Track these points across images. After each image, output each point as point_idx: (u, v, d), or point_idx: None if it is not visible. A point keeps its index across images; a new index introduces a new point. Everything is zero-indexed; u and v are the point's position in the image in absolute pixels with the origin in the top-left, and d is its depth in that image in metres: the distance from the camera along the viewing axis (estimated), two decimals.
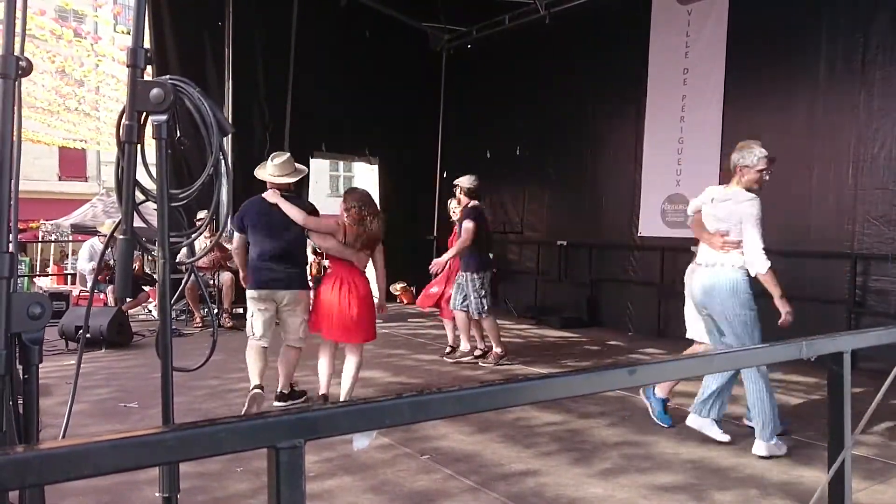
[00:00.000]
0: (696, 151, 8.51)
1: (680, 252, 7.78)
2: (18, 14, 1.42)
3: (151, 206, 1.83)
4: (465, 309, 7.04)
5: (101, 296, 9.26)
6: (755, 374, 4.24)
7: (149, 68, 1.67)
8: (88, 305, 2.04)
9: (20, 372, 1.47)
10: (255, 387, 5.14)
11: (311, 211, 5.39)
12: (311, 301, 5.57)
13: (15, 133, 1.38)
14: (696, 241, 4.76)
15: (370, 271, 5.52)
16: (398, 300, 11.88)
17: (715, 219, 4.39)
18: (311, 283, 6.34)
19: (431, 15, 12.18)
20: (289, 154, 5.60)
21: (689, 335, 5.03)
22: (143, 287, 9.68)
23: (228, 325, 9.18)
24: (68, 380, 5.82)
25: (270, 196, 5.31)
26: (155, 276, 9.87)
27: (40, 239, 19.16)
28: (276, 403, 5.42)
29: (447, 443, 4.49)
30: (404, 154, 12.12)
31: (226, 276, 9.46)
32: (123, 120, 1.62)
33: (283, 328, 5.40)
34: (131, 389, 5.89)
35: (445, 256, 7.15)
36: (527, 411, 5.10)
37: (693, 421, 4.58)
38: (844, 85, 7.19)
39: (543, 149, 10.81)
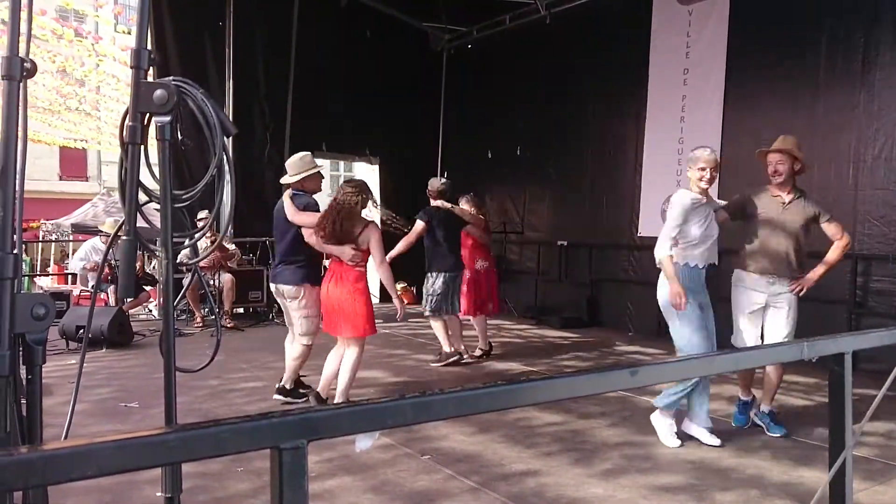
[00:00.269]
0: None
1: None
2: (22, 15, 1.42)
3: (153, 206, 1.83)
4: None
5: (102, 295, 9.26)
6: None
7: (150, 69, 1.67)
8: (91, 305, 2.04)
9: (23, 372, 1.47)
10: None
11: (307, 206, 5.40)
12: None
13: (20, 134, 1.38)
14: None
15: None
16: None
17: None
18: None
19: (432, 15, 12.18)
20: (305, 153, 5.61)
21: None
22: (144, 287, 9.68)
23: (229, 325, 9.18)
24: (69, 379, 5.83)
25: (287, 195, 5.51)
26: (156, 276, 9.88)
27: (41, 239, 19.16)
28: (276, 396, 5.46)
29: (448, 443, 4.50)
30: (405, 154, 12.12)
31: (226, 277, 9.46)
32: (127, 121, 1.63)
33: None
34: (132, 389, 5.89)
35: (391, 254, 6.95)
36: (528, 412, 5.11)
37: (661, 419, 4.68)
38: (845, 85, 7.19)
39: (544, 149, 10.81)
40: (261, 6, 10.76)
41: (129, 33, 16.99)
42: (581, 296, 10.11)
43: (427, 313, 7.04)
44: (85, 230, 15.87)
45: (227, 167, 1.76)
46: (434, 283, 6.94)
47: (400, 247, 6.98)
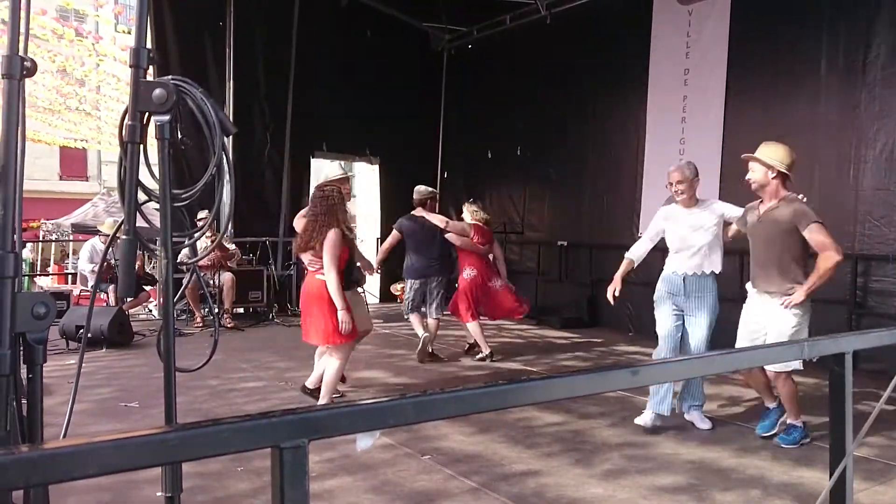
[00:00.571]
0: (698, 152, 8.49)
1: None
2: (21, 15, 1.42)
3: (153, 205, 1.83)
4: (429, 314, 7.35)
5: (102, 295, 9.25)
6: None
7: (150, 68, 1.67)
8: (90, 305, 2.04)
9: (24, 372, 1.47)
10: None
11: None
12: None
13: (20, 133, 1.38)
14: None
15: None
16: (399, 300, 11.87)
17: None
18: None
19: (432, 15, 12.17)
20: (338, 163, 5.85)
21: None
22: (144, 287, 9.68)
23: (229, 325, 9.18)
24: (69, 379, 5.82)
25: None
26: (155, 276, 9.88)
27: (41, 238, 19.16)
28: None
29: (448, 443, 4.50)
30: (405, 154, 12.12)
31: (226, 276, 9.46)
32: (126, 120, 1.63)
33: None
34: (132, 389, 5.89)
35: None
36: (528, 412, 5.11)
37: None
38: (846, 85, 7.18)
39: (544, 149, 10.81)
40: (261, 6, 10.76)
41: (130, 33, 16.97)
42: (581, 296, 10.10)
43: (405, 316, 7.52)
44: (85, 230, 15.87)
45: (226, 166, 1.76)
46: (409, 288, 7.39)
47: (379, 255, 7.70)
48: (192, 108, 1.68)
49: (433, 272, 7.28)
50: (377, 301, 11.89)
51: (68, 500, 3.40)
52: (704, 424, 4.81)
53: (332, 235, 4.94)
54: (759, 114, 7.87)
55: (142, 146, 1.68)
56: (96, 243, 10.20)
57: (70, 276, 14.81)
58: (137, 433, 0.93)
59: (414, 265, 7.28)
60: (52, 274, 16.94)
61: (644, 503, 3.58)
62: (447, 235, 7.23)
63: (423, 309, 7.31)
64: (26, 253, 18.18)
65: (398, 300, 11.79)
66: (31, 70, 1.38)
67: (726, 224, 4.87)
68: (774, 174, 4.44)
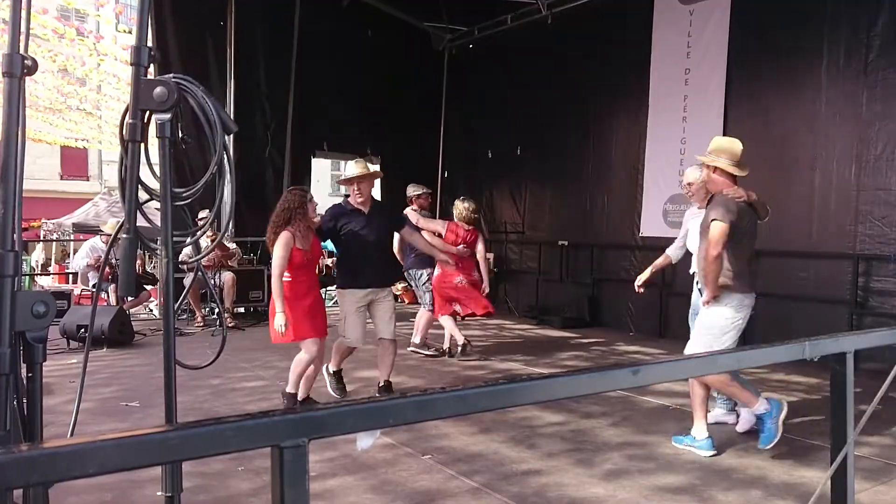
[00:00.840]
0: (698, 152, 8.43)
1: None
2: (22, 14, 1.42)
3: (154, 204, 1.83)
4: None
5: (103, 295, 9.25)
6: None
7: (151, 67, 1.67)
8: (93, 305, 2.05)
9: (24, 370, 1.47)
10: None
11: None
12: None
13: (20, 131, 1.38)
14: None
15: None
16: (399, 300, 11.88)
17: None
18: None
19: (434, 14, 12.18)
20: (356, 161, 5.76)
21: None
22: (145, 286, 9.68)
23: (230, 324, 9.17)
24: (70, 379, 5.83)
25: None
26: (156, 275, 9.88)
27: (42, 238, 19.16)
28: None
29: (449, 443, 4.49)
30: (406, 153, 12.12)
31: (227, 276, 9.46)
32: (127, 118, 1.62)
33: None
34: (133, 388, 5.89)
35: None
36: (529, 411, 5.10)
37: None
38: (847, 85, 7.17)
39: (545, 148, 10.81)
40: (262, 6, 10.76)
41: (131, 32, 16.97)
42: (582, 296, 10.11)
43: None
44: (86, 230, 15.87)
45: (227, 165, 1.76)
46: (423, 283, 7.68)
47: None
48: (193, 106, 1.68)
49: (414, 265, 7.54)
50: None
51: (69, 500, 3.40)
52: (730, 418, 4.92)
53: (280, 239, 5.00)
54: (760, 114, 7.86)
55: (143, 145, 1.67)
56: (96, 242, 10.20)
57: (71, 276, 14.81)
58: (138, 432, 0.93)
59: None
60: (53, 273, 16.94)
61: (645, 503, 3.58)
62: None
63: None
64: (37, 253, 18.25)
65: (398, 300, 11.80)
66: (32, 69, 1.38)
67: None
68: (706, 173, 4.64)
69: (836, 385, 1.84)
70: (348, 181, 5.58)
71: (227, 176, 1.79)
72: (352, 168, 5.56)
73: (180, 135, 1.69)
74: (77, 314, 7.78)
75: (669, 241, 8.64)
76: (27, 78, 1.42)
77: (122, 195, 1.69)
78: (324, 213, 5.75)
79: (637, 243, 9.40)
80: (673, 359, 1.68)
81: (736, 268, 4.23)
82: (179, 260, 8.34)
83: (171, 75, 1.64)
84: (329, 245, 6.50)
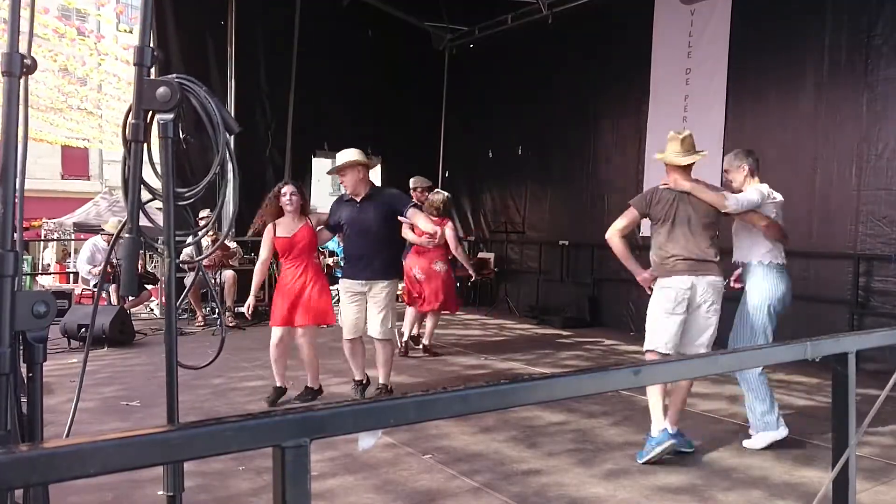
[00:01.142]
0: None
1: None
2: (24, 13, 1.41)
3: (156, 204, 1.83)
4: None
5: (104, 294, 9.25)
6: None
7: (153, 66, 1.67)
8: (95, 304, 2.05)
9: (24, 370, 1.47)
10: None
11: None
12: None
13: (21, 131, 1.38)
14: None
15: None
16: (400, 299, 11.86)
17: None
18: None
19: (434, 14, 12.18)
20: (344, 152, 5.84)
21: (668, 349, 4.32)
22: (145, 286, 9.68)
23: (231, 323, 9.17)
24: (71, 378, 5.83)
25: None
26: (157, 275, 9.88)
27: (42, 237, 19.17)
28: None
29: (450, 443, 4.49)
30: (407, 153, 12.10)
31: (228, 274, 9.46)
32: (130, 118, 1.62)
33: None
34: (134, 388, 5.89)
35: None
36: (530, 411, 5.10)
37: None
38: (848, 85, 7.17)
39: (545, 148, 10.81)
40: (263, 5, 10.76)
41: (131, 32, 16.99)
42: (583, 295, 10.11)
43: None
44: (87, 229, 15.87)
45: (230, 165, 1.76)
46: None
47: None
48: (195, 106, 1.68)
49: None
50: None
51: (69, 500, 3.40)
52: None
53: (266, 229, 5.47)
54: (761, 113, 7.87)
55: (145, 145, 1.67)
56: (97, 242, 10.20)
57: (72, 276, 14.82)
58: (139, 432, 0.93)
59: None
60: (54, 273, 16.94)
61: (645, 503, 3.58)
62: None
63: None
64: (49, 252, 18.27)
65: (399, 299, 11.79)
66: (31, 68, 1.37)
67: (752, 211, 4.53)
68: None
69: (838, 386, 1.83)
70: (335, 171, 5.64)
71: (230, 175, 1.79)
72: (337, 158, 5.66)
73: (183, 135, 1.69)
74: (78, 313, 7.78)
75: None
76: (28, 77, 1.42)
77: (124, 195, 1.69)
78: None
79: (637, 243, 9.38)
80: (674, 359, 1.68)
81: (663, 253, 4.35)
82: (180, 259, 8.33)
83: (174, 75, 1.64)
84: (329, 245, 6.51)
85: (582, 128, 10.18)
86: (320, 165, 11.50)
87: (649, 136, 9.23)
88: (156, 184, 1.76)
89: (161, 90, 1.57)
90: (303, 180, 11.25)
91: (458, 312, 8.40)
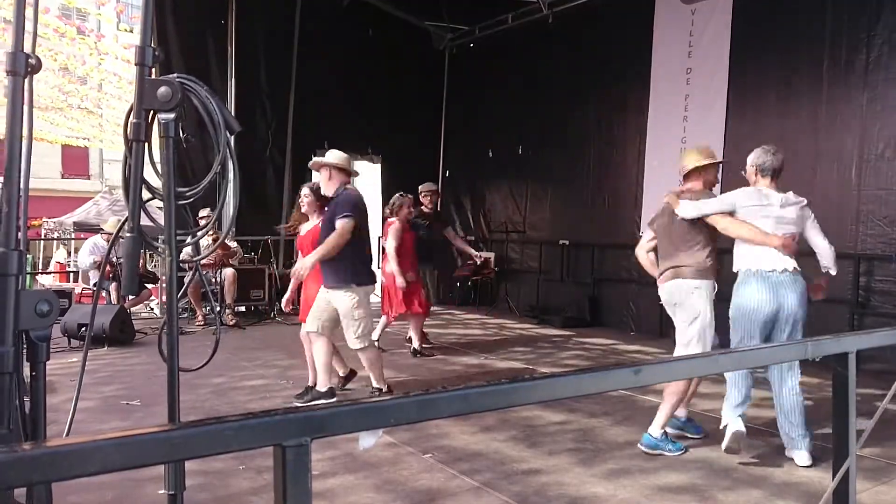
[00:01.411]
0: None
1: None
2: (28, 13, 1.42)
3: (156, 203, 1.83)
4: None
5: (104, 294, 9.25)
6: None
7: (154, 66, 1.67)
8: (94, 303, 2.05)
9: (27, 369, 1.47)
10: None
11: None
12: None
13: (25, 129, 1.38)
14: None
15: None
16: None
17: (783, 222, 4.31)
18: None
19: (434, 14, 12.17)
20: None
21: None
22: (146, 285, 9.68)
23: (231, 322, 9.18)
24: (72, 377, 5.83)
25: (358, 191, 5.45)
26: (157, 274, 9.88)
27: (43, 237, 19.18)
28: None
29: (451, 442, 4.49)
30: (407, 153, 12.11)
31: (228, 272, 9.46)
32: (131, 118, 1.63)
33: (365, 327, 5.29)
34: (134, 387, 5.90)
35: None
36: (530, 411, 5.10)
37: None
38: (848, 85, 7.17)
39: (546, 148, 10.81)
40: (263, 5, 10.76)
41: (132, 31, 16.99)
42: (583, 295, 10.10)
43: None
44: (87, 228, 15.88)
45: (231, 165, 1.76)
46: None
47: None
48: (196, 106, 1.68)
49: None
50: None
51: (70, 499, 3.40)
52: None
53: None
54: (762, 113, 7.86)
55: (146, 144, 1.67)
56: (98, 241, 10.20)
57: (72, 275, 14.82)
58: (141, 431, 0.93)
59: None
60: (54, 272, 16.95)
61: (645, 503, 3.58)
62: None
63: None
64: (62, 254, 18.28)
65: None
66: (36, 67, 1.37)
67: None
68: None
69: (839, 385, 1.84)
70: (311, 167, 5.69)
71: (231, 175, 1.79)
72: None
73: (184, 134, 1.69)
74: (78, 312, 7.78)
75: None
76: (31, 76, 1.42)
77: (125, 194, 1.69)
78: None
79: (638, 243, 9.38)
80: (674, 359, 1.69)
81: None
82: (181, 259, 8.32)
83: (175, 75, 1.64)
84: None
85: (582, 127, 10.18)
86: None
87: (650, 136, 9.22)
88: (156, 183, 1.76)
89: (162, 90, 1.58)
90: (303, 180, 11.25)
91: (430, 312, 8.06)
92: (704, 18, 8.53)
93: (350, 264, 5.09)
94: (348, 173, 5.32)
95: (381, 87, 11.55)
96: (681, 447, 4.34)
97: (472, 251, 7.92)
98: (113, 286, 9.14)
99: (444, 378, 6.51)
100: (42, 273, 16.81)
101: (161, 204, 1.74)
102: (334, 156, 5.32)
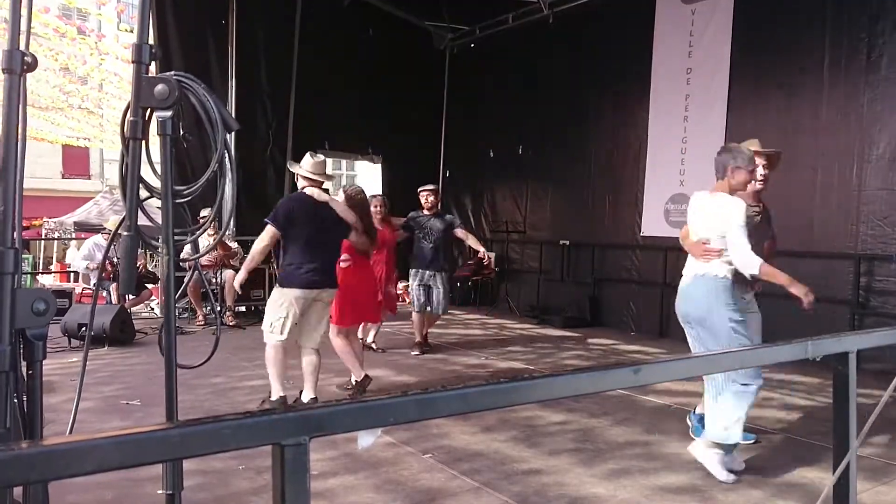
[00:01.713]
0: (700, 151, 8.48)
1: (683, 252, 7.74)
2: (23, 11, 1.41)
3: (155, 202, 1.83)
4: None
5: (104, 293, 9.25)
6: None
7: (153, 65, 1.66)
8: (93, 303, 2.04)
9: (24, 368, 1.47)
10: (281, 397, 5.13)
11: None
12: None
13: (20, 128, 1.38)
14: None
15: None
16: (400, 299, 11.86)
17: (702, 228, 4.06)
18: None
19: (435, 14, 12.18)
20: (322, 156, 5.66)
21: None
22: (146, 285, 9.68)
23: (231, 323, 9.17)
24: (71, 377, 5.83)
25: (319, 194, 5.22)
26: (157, 274, 9.88)
27: (43, 236, 19.19)
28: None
29: (451, 442, 4.49)
30: (407, 152, 12.11)
31: (228, 274, 9.45)
32: (128, 116, 1.62)
33: (310, 329, 5.20)
34: (134, 387, 5.90)
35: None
36: (531, 411, 5.10)
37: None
38: (849, 85, 7.17)
39: (546, 148, 10.81)
40: (264, 4, 10.76)
41: (132, 31, 16.95)
42: (583, 295, 10.10)
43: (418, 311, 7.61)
44: (87, 228, 15.89)
45: (228, 163, 1.75)
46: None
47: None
48: (194, 104, 1.68)
49: (430, 265, 7.51)
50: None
51: (69, 498, 3.40)
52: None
53: None
54: (762, 113, 7.86)
55: (144, 142, 1.67)
56: (98, 240, 10.21)
57: (72, 275, 14.83)
58: (138, 430, 0.93)
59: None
60: (55, 272, 16.95)
61: (645, 503, 3.57)
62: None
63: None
64: (72, 252, 18.25)
65: (399, 299, 11.79)
66: (32, 65, 1.37)
67: None
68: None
69: (839, 385, 1.83)
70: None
71: (228, 174, 1.78)
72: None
73: (181, 132, 1.68)
74: (78, 312, 7.78)
75: (671, 240, 8.69)
76: (29, 76, 1.42)
77: (122, 193, 1.69)
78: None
79: (638, 243, 9.40)
80: (674, 358, 1.68)
81: None
82: (181, 258, 8.32)
83: (173, 73, 1.63)
84: None
85: (583, 127, 10.18)
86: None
87: (650, 136, 9.22)
88: (155, 182, 1.75)
89: (159, 87, 1.57)
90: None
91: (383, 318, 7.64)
92: (705, 18, 8.52)
93: (283, 265, 5.25)
94: (312, 179, 5.23)
95: (382, 87, 11.55)
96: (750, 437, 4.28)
97: (483, 249, 7.80)
98: (113, 286, 9.14)
99: (444, 378, 6.51)
100: (43, 273, 16.81)
101: (160, 203, 1.74)
102: (305, 162, 5.29)
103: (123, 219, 1.67)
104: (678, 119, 8.80)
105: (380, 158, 12.46)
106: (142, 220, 1.75)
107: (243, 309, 10.11)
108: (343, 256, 5.59)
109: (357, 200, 5.61)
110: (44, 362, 1.51)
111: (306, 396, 5.20)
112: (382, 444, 4.34)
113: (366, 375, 5.62)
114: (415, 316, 7.61)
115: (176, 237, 1.75)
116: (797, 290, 3.87)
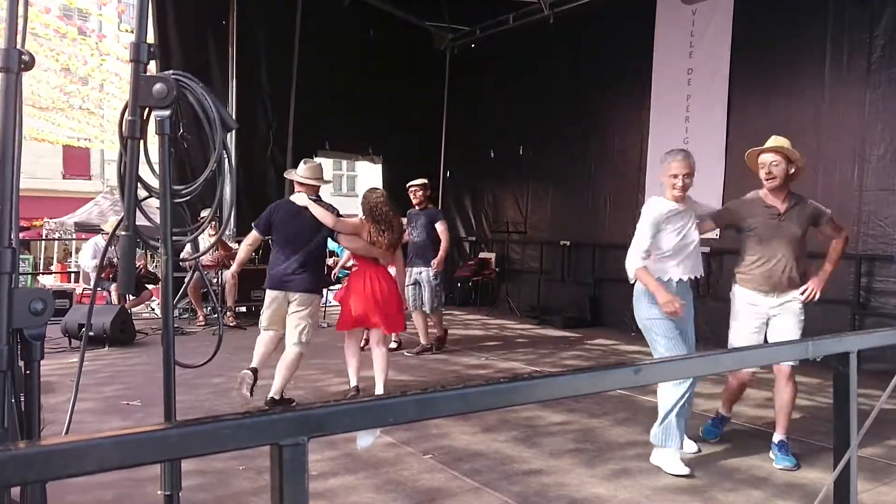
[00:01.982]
0: (701, 152, 8.44)
1: None
2: (19, 10, 1.41)
3: (154, 202, 1.82)
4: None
5: (104, 294, 9.25)
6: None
7: (152, 65, 1.66)
8: (91, 303, 2.04)
9: (21, 368, 1.46)
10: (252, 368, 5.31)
11: (337, 213, 5.57)
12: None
13: (17, 127, 1.37)
14: None
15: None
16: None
17: None
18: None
19: (435, 14, 12.18)
20: (319, 161, 5.74)
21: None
22: (146, 285, 9.68)
23: (232, 323, 9.17)
24: (72, 377, 5.82)
25: (299, 199, 5.38)
26: (158, 275, 9.88)
27: (44, 237, 19.19)
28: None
29: (451, 442, 4.48)
30: (408, 153, 12.09)
31: (229, 274, 9.45)
32: (126, 115, 1.62)
33: (291, 327, 5.31)
34: (134, 387, 5.90)
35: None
36: (531, 411, 5.09)
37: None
38: (850, 85, 7.16)
39: (547, 148, 10.80)
40: (264, 4, 10.76)
41: (133, 31, 16.97)
42: (584, 296, 10.10)
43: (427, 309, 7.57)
44: (88, 229, 15.90)
45: (227, 163, 1.75)
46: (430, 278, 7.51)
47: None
48: (192, 103, 1.67)
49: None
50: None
51: (68, 498, 3.39)
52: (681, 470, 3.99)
53: None
54: (763, 113, 7.84)
55: (142, 142, 1.67)
56: (99, 241, 10.21)
57: (73, 275, 14.83)
58: (136, 430, 0.92)
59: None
60: (55, 272, 16.96)
61: (646, 503, 3.57)
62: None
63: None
64: (88, 260, 18.20)
65: None
66: (29, 64, 1.37)
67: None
68: (794, 169, 4.25)
69: (839, 385, 1.83)
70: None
71: (227, 173, 1.78)
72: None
73: (180, 132, 1.68)
74: (79, 313, 7.78)
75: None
76: (30, 76, 1.41)
77: (121, 192, 1.68)
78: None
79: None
80: (674, 358, 1.67)
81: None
82: (181, 257, 8.32)
83: (171, 72, 1.63)
84: (331, 245, 6.47)
85: (583, 127, 10.17)
86: (323, 165, 11.49)
87: (651, 136, 9.22)
88: (154, 182, 1.75)
89: (157, 87, 1.57)
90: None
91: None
92: (705, 19, 8.52)
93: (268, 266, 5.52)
94: (304, 184, 5.52)
95: (382, 87, 11.54)
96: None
97: (440, 257, 7.47)
98: (114, 286, 9.13)
99: (444, 378, 6.50)
100: (43, 273, 16.82)
101: (158, 202, 1.74)
102: (298, 168, 5.63)
103: (122, 219, 1.66)
104: (679, 119, 8.79)
105: (380, 159, 12.46)
106: (141, 221, 1.75)
107: (244, 309, 10.10)
108: (349, 262, 5.78)
109: (369, 206, 5.61)
110: (43, 362, 1.51)
111: (273, 388, 5.34)
112: (382, 445, 4.34)
113: (355, 387, 5.56)
114: (414, 315, 7.59)
115: (175, 237, 1.74)
116: (661, 298, 4.08)
